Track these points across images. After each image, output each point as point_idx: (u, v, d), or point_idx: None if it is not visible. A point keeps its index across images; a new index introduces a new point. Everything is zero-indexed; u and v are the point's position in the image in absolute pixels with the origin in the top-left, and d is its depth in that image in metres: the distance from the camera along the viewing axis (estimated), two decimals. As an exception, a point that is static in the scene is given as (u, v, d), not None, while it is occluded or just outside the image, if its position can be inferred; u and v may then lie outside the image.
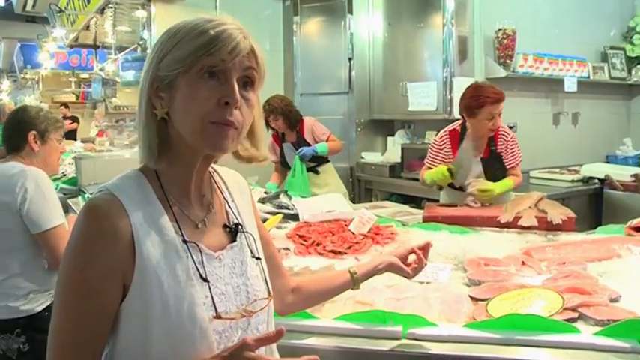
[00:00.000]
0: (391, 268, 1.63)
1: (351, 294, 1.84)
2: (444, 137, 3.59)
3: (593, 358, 1.44)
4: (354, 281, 1.55)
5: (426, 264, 1.67)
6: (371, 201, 5.69)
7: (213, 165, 1.23)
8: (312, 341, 1.56)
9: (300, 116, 4.58)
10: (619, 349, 1.46)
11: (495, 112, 3.33)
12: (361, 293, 1.85)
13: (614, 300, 1.81)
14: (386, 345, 1.52)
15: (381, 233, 2.73)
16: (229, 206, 1.24)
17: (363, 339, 1.56)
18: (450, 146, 3.58)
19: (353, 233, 2.72)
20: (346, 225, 2.88)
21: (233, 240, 1.19)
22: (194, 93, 1.04)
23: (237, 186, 1.31)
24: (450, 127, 3.59)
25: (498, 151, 3.51)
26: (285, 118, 4.48)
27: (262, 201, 3.46)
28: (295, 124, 4.54)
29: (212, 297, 1.08)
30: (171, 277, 1.03)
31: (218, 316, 1.08)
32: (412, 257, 1.68)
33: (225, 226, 1.21)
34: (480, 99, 3.33)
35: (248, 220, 1.27)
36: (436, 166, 3.55)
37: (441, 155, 3.61)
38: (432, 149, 3.64)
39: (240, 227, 1.22)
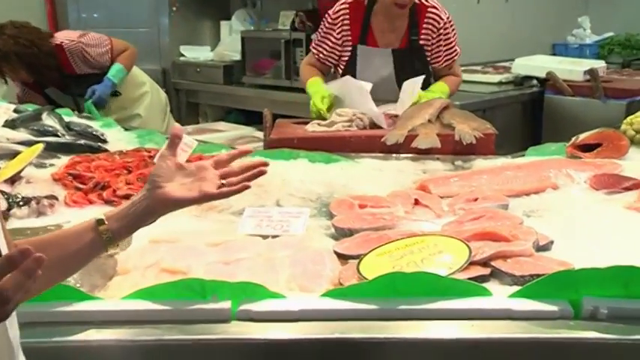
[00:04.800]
0: (159, 205, 1.51)
1: (154, 259, 1.84)
2: (342, 9, 3.66)
3: (509, 329, 1.53)
4: (106, 241, 1.46)
5: (241, 182, 1.59)
6: (197, 122, 5.65)
7: None
8: (89, 335, 1.52)
9: (52, 49, 4.27)
10: (543, 314, 1.56)
11: None
12: (170, 256, 1.85)
13: (543, 248, 1.95)
14: (207, 331, 1.53)
15: (204, 166, 2.71)
16: None
17: (170, 325, 1.55)
18: (348, 24, 3.65)
19: (160, 168, 2.68)
20: (150, 156, 2.84)
21: None
22: None
23: None
24: None
25: (422, 42, 3.65)
26: (31, 67, 4.22)
27: (12, 124, 3.34)
28: (49, 70, 4.31)
29: None
30: None
31: None
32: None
33: None
34: None
35: None
36: (323, 56, 3.68)
37: (333, 37, 3.68)
38: (323, 27, 3.73)
39: None
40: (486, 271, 1.78)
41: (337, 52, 3.73)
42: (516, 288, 1.66)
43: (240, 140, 4.14)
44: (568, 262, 1.79)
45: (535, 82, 5.40)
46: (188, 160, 2.65)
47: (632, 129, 3.05)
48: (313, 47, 3.79)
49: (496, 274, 1.78)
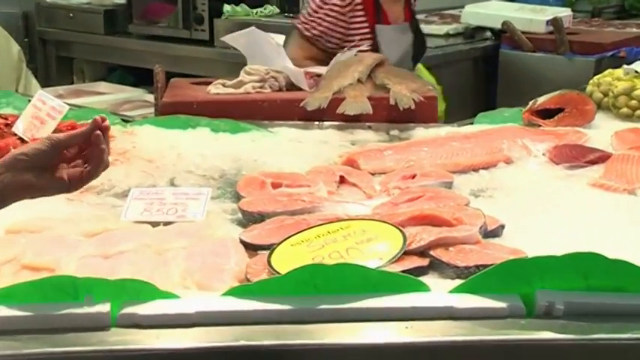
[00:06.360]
0: (18, 187, 1.61)
1: (12, 253, 1.81)
2: None
3: (450, 330, 1.56)
4: None
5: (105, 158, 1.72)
6: (71, 81, 5.55)
7: None
8: None
9: None
10: (490, 312, 1.59)
11: None
12: (33, 249, 1.82)
13: (492, 234, 2.00)
14: (80, 342, 1.50)
15: (79, 138, 2.68)
16: None
17: (33, 335, 1.52)
18: (362, 11, 3.73)
19: (21, 140, 2.65)
20: (7, 124, 2.80)
21: None
22: None
23: None
24: None
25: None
26: None
27: None
28: None
29: None
30: None
31: None
32: None
33: None
34: None
35: None
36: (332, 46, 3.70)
37: (342, 27, 3.74)
38: (320, 11, 3.74)
39: None
40: (424, 262, 1.83)
41: (346, 41, 3.78)
42: (459, 282, 1.69)
43: (126, 105, 4.10)
44: (521, 249, 1.85)
45: (489, 34, 5.48)
46: (58, 129, 2.63)
47: (599, 91, 3.15)
48: (316, 38, 3.79)
49: (436, 266, 1.83)
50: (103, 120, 1.77)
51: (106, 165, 1.78)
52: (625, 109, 3.04)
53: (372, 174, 2.46)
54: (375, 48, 3.74)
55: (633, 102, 3.03)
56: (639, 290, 1.59)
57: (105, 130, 1.76)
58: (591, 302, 1.58)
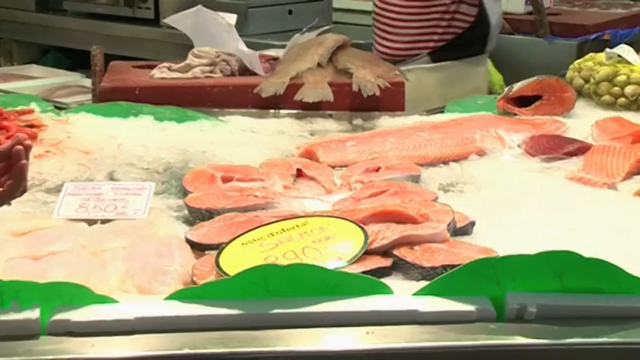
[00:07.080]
0: None
1: None
2: None
3: (415, 336, 1.58)
4: None
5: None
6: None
7: None
8: None
9: None
10: (457, 316, 1.61)
11: None
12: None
13: (461, 232, 2.03)
14: (6, 352, 1.49)
15: (5, 127, 2.66)
16: None
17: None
18: None
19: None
20: None
21: None
22: None
23: None
24: None
25: None
26: None
27: None
28: None
29: None
30: None
31: None
32: None
33: None
34: None
35: None
36: None
37: None
38: None
39: None
40: (387, 262, 1.85)
41: None
42: (425, 283, 1.71)
43: (60, 91, 4.06)
44: (491, 248, 1.88)
45: (465, 17, 5.50)
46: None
47: (579, 77, 3.17)
48: None
49: (400, 266, 1.85)
50: (26, 139, 1.78)
51: (25, 187, 1.81)
52: (607, 97, 3.07)
53: (333, 167, 2.49)
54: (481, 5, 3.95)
55: (616, 89, 3.06)
56: (617, 291, 1.62)
57: (27, 148, 1.75)
58: (566, 304, 1.61)
